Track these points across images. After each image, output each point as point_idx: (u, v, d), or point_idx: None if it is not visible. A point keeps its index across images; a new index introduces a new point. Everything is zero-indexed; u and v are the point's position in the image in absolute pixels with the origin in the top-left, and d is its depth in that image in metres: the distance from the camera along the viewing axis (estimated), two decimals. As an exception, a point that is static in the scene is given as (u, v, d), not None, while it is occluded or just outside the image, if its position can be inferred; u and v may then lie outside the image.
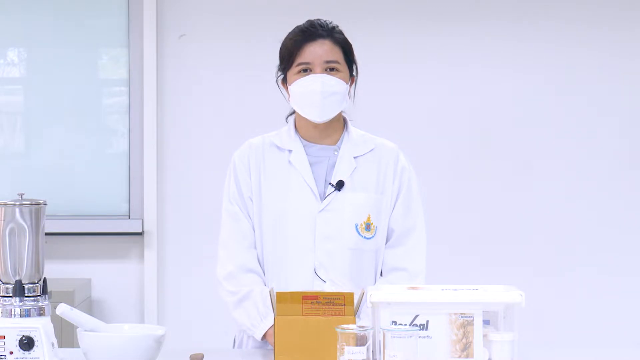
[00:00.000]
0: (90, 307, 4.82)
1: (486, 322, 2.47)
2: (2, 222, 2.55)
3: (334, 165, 2.99)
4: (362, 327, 2.33)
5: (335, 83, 2.93)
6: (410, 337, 2.31)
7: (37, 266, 2.57)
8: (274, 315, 2.60)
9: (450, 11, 4.96)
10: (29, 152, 5.01)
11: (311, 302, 2.58)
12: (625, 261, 4.97)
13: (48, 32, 4.94)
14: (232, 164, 3.04)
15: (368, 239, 2.97)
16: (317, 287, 2.90)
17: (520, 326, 2.47)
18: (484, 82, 4.97)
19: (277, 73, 3.04)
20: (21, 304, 2.54)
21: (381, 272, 3.02)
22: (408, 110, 4.95)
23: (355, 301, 2.60)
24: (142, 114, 4.90)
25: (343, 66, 2.97)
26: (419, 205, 3.04)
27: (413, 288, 2.57)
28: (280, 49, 3.00)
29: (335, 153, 3.01)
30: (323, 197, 2.96)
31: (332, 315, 2.56)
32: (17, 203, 2.56)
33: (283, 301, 2.58)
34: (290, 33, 3.00)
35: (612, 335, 4.86)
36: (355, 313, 2.59)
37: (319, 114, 2.94)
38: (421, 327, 2.43)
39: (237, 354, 2.95)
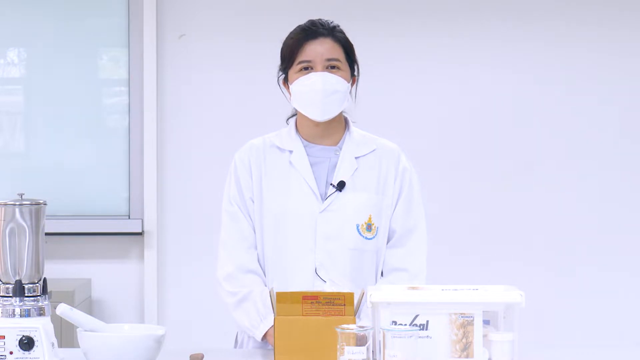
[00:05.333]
0: (90, 307, 4.82)
1: (486, 322, 2.47)
2: (2, 222, 2.55)
3: (335, 166, 2.99)
4: (362, 327, 2.33)
5: (336, 81, 2.93)
6: (410, 337, 2.31)
7: (37, 266, 2.57)
8: (274, 316, 2.60)
9: (450, 11, 4.96)
10: (29, 152, 5.01)
11: (311, 302, 2.58)
12: (625, 261, 4.97)
13: (48, 32, 4.94)
14: (232, 164, 3.04)
15: (369, 239, 2.97)
16: (317, 287, 2.90)
17: (520, 326, 2.47)
18: (484, 82, 4.97)
19: (279, 73, 3.04)
20: (21, 304, 2.54)
21: (382, 273, 3.02)
22: (409, 111, 4.95)
23: (355, 301, 2.60)
24: (142, 114, 4.90)
25: (344, 65, 2.97)
26: (420, 206, 3.04)
27: (413, 288, 2.57)
28: (282, 48, 3.00)
29: (337, 153, 3.01)
30: (324, 198, 2.96)
31: (332, 315, 2.56)
32: (17, 203, 2.56)
33: (283, 301, 2.58)
34: (291, 32, 3.00)
35: (612, 335, 4.86)
36: (355, 313, 2.59)
37: (320, 113, 2.94)
38: (421, 327, 2.43)
39: (237, 354, 2.95)
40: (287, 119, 3.08)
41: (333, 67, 2.94)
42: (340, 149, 3.01)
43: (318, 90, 2.91)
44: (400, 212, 3.01)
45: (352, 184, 2.97)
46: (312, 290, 2.82)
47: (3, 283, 2.56)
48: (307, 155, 3.00)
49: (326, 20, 3.00)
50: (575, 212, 4.97)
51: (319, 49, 2.94)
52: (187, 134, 4.94)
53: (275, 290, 2.65)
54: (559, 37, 4.97)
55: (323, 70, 2.93)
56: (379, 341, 2.36)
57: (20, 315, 2.53)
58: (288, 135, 3.03)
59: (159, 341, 2.52)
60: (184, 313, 4.91)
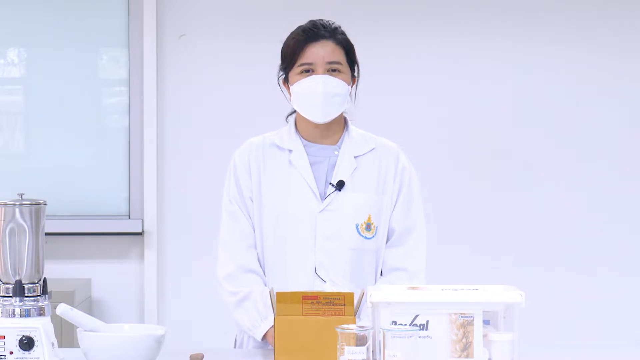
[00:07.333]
0: (90, 307, 4.82)
1: (486, 322, 2.48)
2: (2, 222, 2.55)
3: (334, 165, 2.99)
4: (362, 327, 2.33)
5: (337, 84, 2.93)
6: (410, 337, 2.31)
7: (37, 266, 2.57)
8: (274, 316, 2.60)
9: (450, 11, 4.96)
10: (29, 152, 5.01)
11: (311, 302, 2.58)
12: (625, 261, 4.97)
13: (48, 32, 4.94)
14: (232, 163, 3.04)
15: (368, 239, 2.97)
16: (317, 287, 2.90)
17: (520, 326, 2.47)
18: (484, 82, 4.97)
19: (279, 73, 3.03)
20: (21, 304, 2.54)
21: (381, 272, 3.02)
22: (408, 111, 4.95)
23: (355, 301, 2.61)
24: (142, 114, 4.90)
25: (345, 67, 2.97)
26: (419, 205, 3.04)
27: (413, 288, 2.57)
28: (282, 48, 3.00)
29: (336, 153, 3.01)
30: (323, 197, 2.96)
31: (332, 315, 2.56)
32: (17, 203, 2.56)
33: (283, 301, 2.58)
34: (292, 33, 2.99)
35: (612, 335, 4.86)
36: (355, 313, 2.59)
37: (321, 115, 2.94)
38: (421, 327, 2.43)
39: (237, 354, 2.95)
40: (287, 117, 3.08)
41: (334, 70, 2.94)
42: (340, 148, 3.01)
43: (319, 93, 2.91)
44: (399, 211, 3.01)
45: (352, 184, 2.97)
46: (312, 290, 2.82)
47: (3, 283, 2.56)
48: (307, 154, 3.00)
49: (327, 22, 2.99)
50: (575, 212, 4.97)
51: (321, 51, 2.94)
52: (187, 133, 4.94)
53: (275, 290, 2.65)
54: (559, 37, 4.97)
55: (324, 73, 2.93)
56: (379, 341, 2.36)
57: (20, 315, 2.53)
58: (288, 135, 3.03)
59: (159, 341, 2.52)
60: (184, 313, 4.91)
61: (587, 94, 4.98)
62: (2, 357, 2.49)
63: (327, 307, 2.58)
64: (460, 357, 2.44)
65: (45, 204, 2.61)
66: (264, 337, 2.88)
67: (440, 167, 4.93)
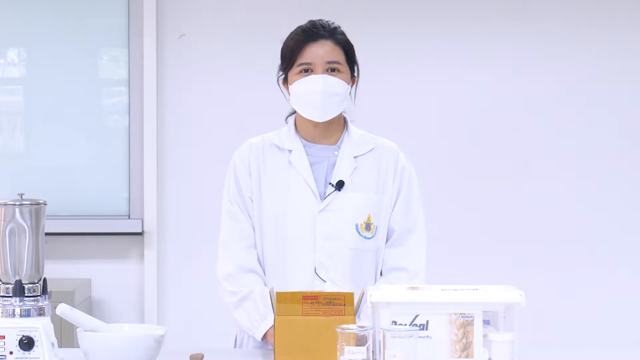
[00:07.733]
0: (90, 307, 4.82)
1: (486, 322, 2.48)
2: (2, 222, 2.55)
3: (334, 165, 2.99)
4: (362, 327, 2.33)
5: (336, 83, 2.93)
6: (410, 337, 2.31)
7: (37, 266, 2.57)
8: (274, 316, 2.60)
9: (450, 11, 4.96)
10: (29, 152, 5.01)
11: (311, 302, 2.58)
12: (625, 261, 4.97)
13: (48, 32, 4.94)
14: (232, 163, 3.04)
15: (368, 238, 2.97)
16: (317, 287, 2.90)
17: (520, 326, 2.47)
18: (484, 82, 4.97)
19: (278, 73, 3.04)
20: (21, 304, 2.54)
21: (381, 272, 3.02)
22: (408, 111, 4.95)
23: (355, 301, 2.61)
24: (142, 114, 4.90)
25: (344, 67, 2.97)
26: (419, 205, 3.04)
27: (413, 288, 2.57)
28: (282, 48, 3.00)
29: (336, 153, 3.01)
30: (323, 197, 2.96)
31: (332, 315, 2.56)
32: (17, 203, 2.56)
33: (283, 301, 2.58)
34: (291, 33, 3.00)
35: (612, 335, 4.86)
36: (355, 313, 2.59)
37: (320, 114, 2.94)
38: (421, 327, 2.43)
39: (237, 354, 2.95)
40: (286, 118, 3.09)
41: (333, 69, 2.94)
42: (339, 148, 3.01)
43: (318, 92, 2.91)
44: (399, 211, 3.01)
45: (351, 184, 2.97)
46: (312, 290, 2.82)
47: (3, 283, 2.56)
48: (307, 154, 3.00)
49: (327, 21, 3.00)
50: (575, 211, 4.97)
51: (320, 51, 2.94)
52: (187, 134, 4.94)
53: (275, 290, 2.65)
54: (559, 37, 4.97)
55: (323, 73, 2.93)
56: (379, 341, 2.36)
57: (20, 315, 2.53)
58: (287, 135, 3.03)
59: (159, 341, 2.52)
60: (184, 313, 4.91)
61: (587, 93, 4.98)
62: (2, 357, 2.49)
63: (327, 307, 2.58)
64: (460, 357, 2.44)
65: (45, 204, 2.61)
66: (264, 337, 2.88)
67: (440, 167, 4.93)
